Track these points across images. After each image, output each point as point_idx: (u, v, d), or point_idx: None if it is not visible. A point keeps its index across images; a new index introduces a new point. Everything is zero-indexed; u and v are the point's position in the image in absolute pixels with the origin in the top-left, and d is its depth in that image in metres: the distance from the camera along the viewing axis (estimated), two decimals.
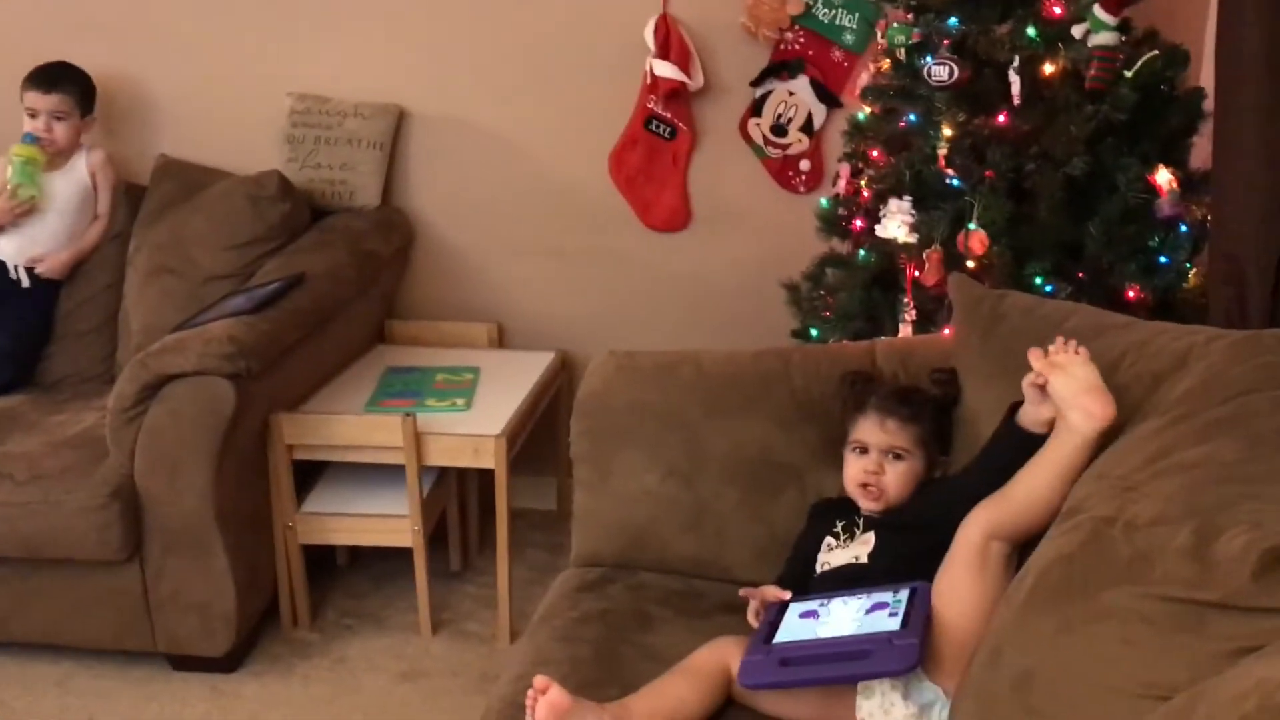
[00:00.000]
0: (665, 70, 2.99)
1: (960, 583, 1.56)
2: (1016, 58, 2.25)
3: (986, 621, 1.49)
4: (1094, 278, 2.27)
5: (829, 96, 3.05)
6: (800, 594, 1.72)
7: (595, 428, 2.03)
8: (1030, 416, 1.62)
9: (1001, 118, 2.27)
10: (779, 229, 3.07)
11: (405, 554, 2.71)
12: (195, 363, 2.38)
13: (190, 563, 2.47)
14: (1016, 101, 2.26)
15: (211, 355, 2.38)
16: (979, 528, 1.57)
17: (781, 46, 3.04)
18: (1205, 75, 2.41)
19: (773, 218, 3.12)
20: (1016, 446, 1.61)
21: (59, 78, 2.99)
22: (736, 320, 3.13)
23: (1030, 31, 2.25)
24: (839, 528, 1.82)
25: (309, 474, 2.78)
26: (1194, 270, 2.31)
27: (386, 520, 2.68)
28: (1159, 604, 1.17)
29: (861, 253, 2.52)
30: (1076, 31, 2.22)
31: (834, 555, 1.79)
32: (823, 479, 1.95)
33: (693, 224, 3.20)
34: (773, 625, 1.64)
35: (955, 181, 2.29)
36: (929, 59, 2.29)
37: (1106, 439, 1.52)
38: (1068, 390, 1.54)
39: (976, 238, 2.22)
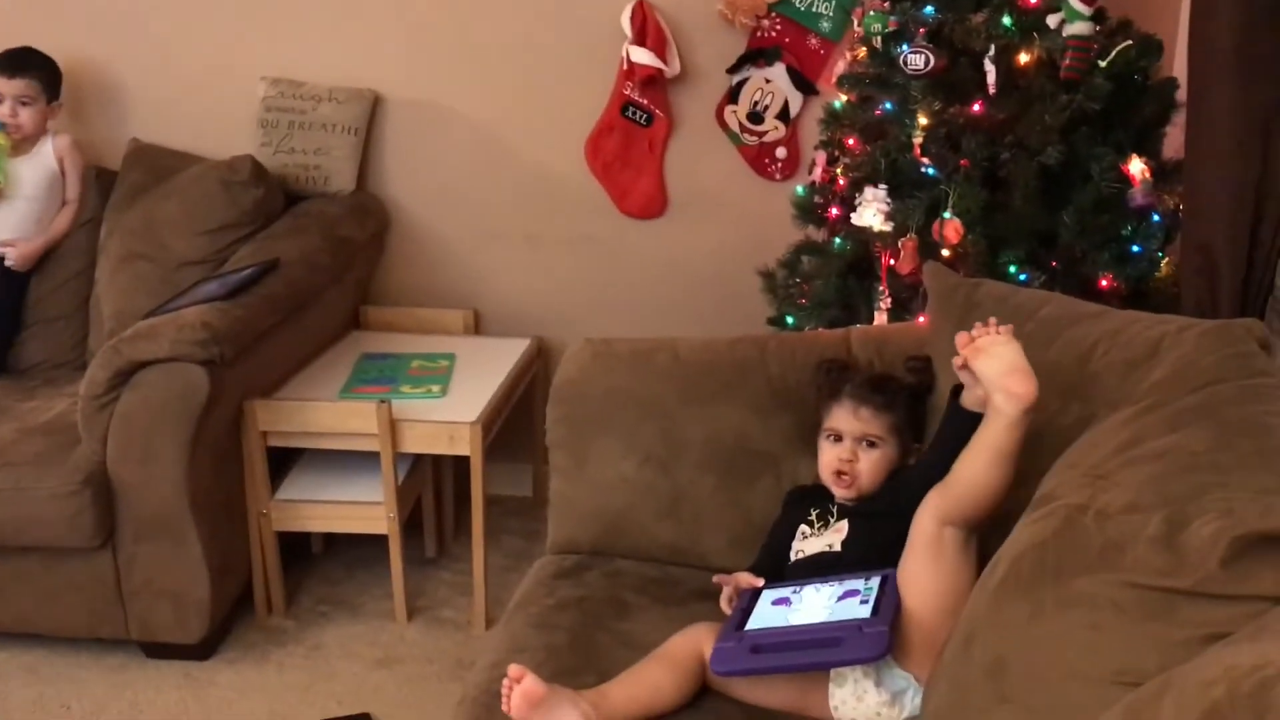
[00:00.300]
0: (642, 57, 2.99)
1: (919, 570, 1.57)
2: (992, 47, 2.26)
3: (950, 607, 1.51)
4: (1067, 266, 2.29)
5: (805, 84, 3.05)
6: (775, 581, 1.73)
7: (571, 414, 2.04)
8: (970, 398, 1.63)
9: (977, 106, 2.28)
10: (755, 216, 3.07)
11: (380, 541, 2.70)
12: (168, 349, 2.37)
13: (163, 550, 2.46)
14: (992, 90, 2.27)
15: (185, 341, 2.37)
16: (930, 515, 1.58)
17: (758, 34, 3.04)
18: (1179, 65, 2.42)
19: (749, 205, 3.12)
20: (961, 428, 1.62)
21: (24, 63, 2.95)
22: (713, 307, 3.13)
23: (1005, 20, 2.26)
24: (813, 516, 1.83)
25: (283, 461, 2.77)
26: (1166, 260, 2.33)
27: (361, 507, 2.67)
28: (1130, 591, 1.18)
29: (837, 241, 2.52)
30: (1051, 21, 2.23)
31: (808, 543, 1.80)
32: (798, 466, 1.96)
33: (669, 211, 3.20)
34: (745, 612, 1.65)
35: (930, 170, 2.30)
36: (905, 47, 2.30)
37: (1065, 424, 1.53)
38: (991, 372, 1.54)
39: (951, 226, 2.23)
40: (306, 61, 3.14)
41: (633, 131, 3.12)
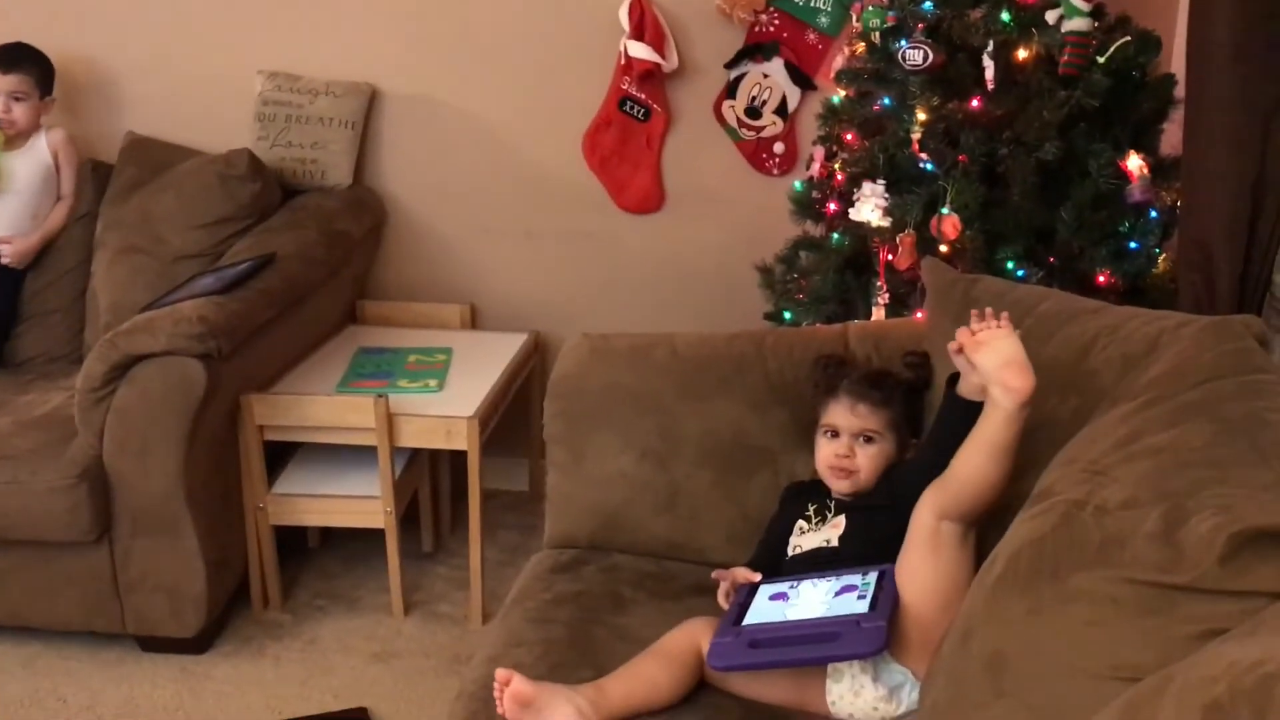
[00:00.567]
0: (640, 51, 2.98)
1: (918, 565, 1.57)
2: (990, 42, 2.26)
3: (948, 602, 1.51)
4: (1065, 262, 2.29)
5: (803, 79, 3.05)
6: (772, 576, 1.73)
7: (569, 410, 2.03)
8: (966, 386, 1.63)
9: (975, 102, 2.28)
10: (753, 211, 3.07)
11: (377, 535, 2.70)
12: (165, 343, 2.36)
13: (160, 544, 2.46)
14: (990, 86, 2.27)
15: (181, 335, 2.36)
16: (928, 510, 1.58)
17: (756, 29, 3.03)
18: (1177, 61, 2.42)
19: (746, 200, 3.12)
20: (959, 417, 1.61)
21: (18, 58, 2.94)
22: (710, 303, 3.13)
23: (1004, 16, 2.26)
24: (810, 511, 1.83)
25: (280, 455, 2.76)
26: (1163, 256, 2.33)
27: (358, 501, 2.67)
28: (1128, 587, 1.18)
29: (835, 236, 2.52)
30: (1050, 17, 2.24)
31: (805, 539, 1.80)
32: (795, 461, 1.96)
33: (666, 206, 3.19)
34: (743, 607, 1.65)
35: (929, 165, 2.30)
36: (903, 43, 2.30)
37: (1036, 412, 1.53)
38: (989, 365, 1.54)
39: (949, 222, 2.23)
40: (303, 55, 3.13)
41: (630, 126, 3.11)
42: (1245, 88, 2.05)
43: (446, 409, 2.64)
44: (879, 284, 2.36)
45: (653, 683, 1.59)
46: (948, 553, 1.56)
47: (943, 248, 2.24)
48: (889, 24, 2.38)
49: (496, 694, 1.54)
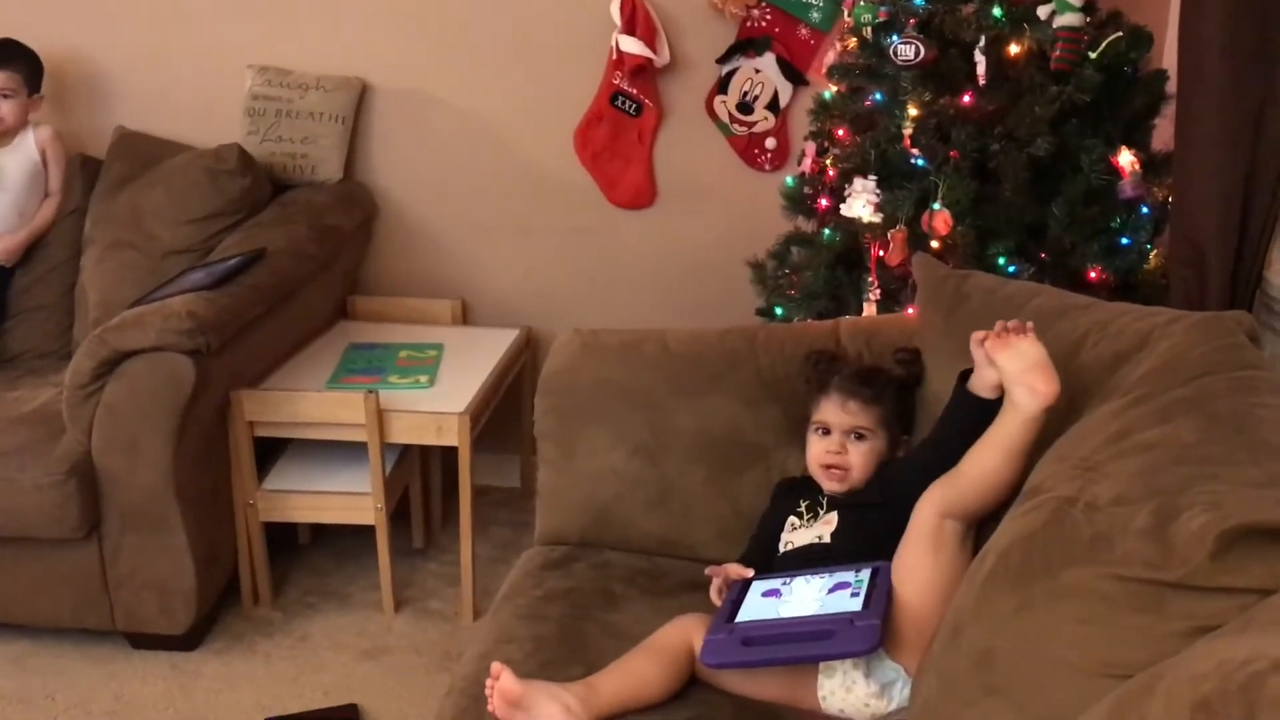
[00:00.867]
0: (631, 46, 2.97)
1: (917, 562, 1.57)
2: (982, 38, 2.25)
3: (945, 600, 1.50)
4: (1056, 258, 2.29)
5: (795, 74, 3.04)
6: (764, 573, 1.73)
7: (560, 405, 2.03)
8: (980, 381, 1.61)
9: (967, 98, 2.28)
10: (744, 207, 3.06)
11: (368, 531, 2.69)
12: (154, 338, 2.35)
13: (149, 540, 2.45)
14: (982, 81, 2.26)
15: (170, 331, 2.35)
16: (933, 507, 1.57)
17: (748, 24, 3.03)
18: (1169, 57, 2.42)
19: (738, 196, 3.11)
20: (971, 414, 1.60)
21: (6, 55, 2.93)
22: (702, 298, 3.13)
23: (996, 12, 2.25)
24: (802, 507, 1.82)
25: (270, 451, 2.75)
26: (1155, 252, 2.33)
27: (349, 498, 2.66)
28: (1119, 584, 1.18)
29: (826, 232, 2.52)
30: (1042, 12, 2.23)
31: (797, 535, 1.80)
32: (788, 457, 1.96)
33: (658, 201, 3.19)
34: (735, 604, 1.64)
35: (920, 161, 2.29)
36: (895, 38, 2.29)
37: (1055, 416, 1.52)
38: (1014, 367, 1.52)
39: (941, 218, 2.23)
40: (294, 50, 3.12)
41: (622, 121, 3.11)
42: (1236, 84, 2.06)
43: (437, 405, 2.64)
44: (870, 280, 2.36)
45: (644, 679, 1.59)
46: (948, 551, 1.55)
47: (934, 243, 2.24)
48: (881, 19, 2.37)
49: (488, 690, 1.53)
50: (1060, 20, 2.20)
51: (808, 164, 2.67)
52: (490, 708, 1.53)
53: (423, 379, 2.76)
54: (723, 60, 3.05)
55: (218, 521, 2.62)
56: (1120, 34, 2.27)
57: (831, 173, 2.52)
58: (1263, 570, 1.11)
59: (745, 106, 3.07)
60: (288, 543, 2.96)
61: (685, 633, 1.63)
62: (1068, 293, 1.85)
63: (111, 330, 2.38)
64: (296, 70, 3.09)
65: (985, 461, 1.54)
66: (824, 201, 2.54)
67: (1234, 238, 2.11)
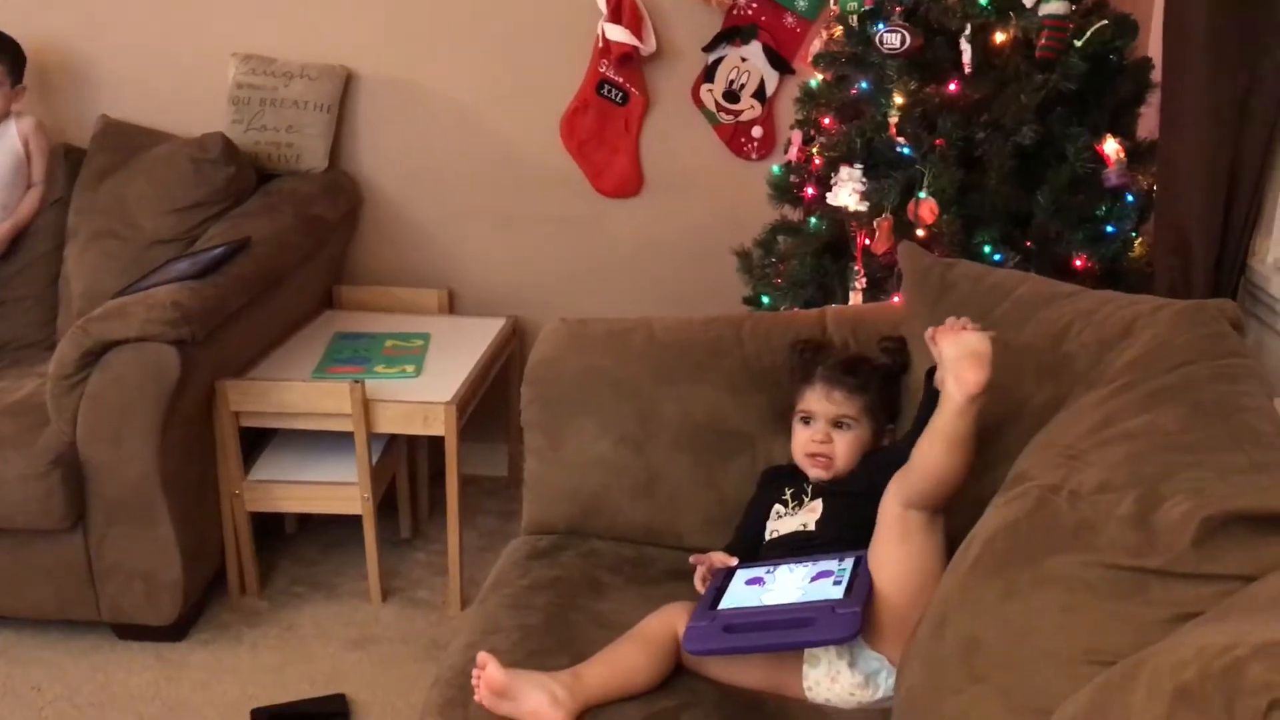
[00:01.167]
0: (617, 34, 2.97)
1: (888, 553, 1.57)
2: (968, 26, 2.25)
3: (921, 588, 1.51)
4: (1042, 247, 2.29)
5: (781, 63, 3.04)
6: (749, 561, 1.73)
7: (546, 395, 2.03)
8: (939, 374, 1.62)
9: (952, 86, 2.28)
10: (731, 196, 3.06)
11: (355, 521, 2.69)
12: (138, 329, 2.34)
13: (135, 531, 2.44)
14: (967, 70, 2.26)
15: (155, 321, 2.34)
16: (894, 498, 1.58)
17: (734, 12, 3.02)
18: (1154, 46, 2.42)
19: (725, 184, 3.11)
20: (933, 407, 1.60)
21: None
22: (688, 287, 3.13)
23: (981, 0, 2.25)
24: (787, 495, 1.83)
25: (256, 441, 2.74)
26: (1140, 240, 2.33)
27: (335, 488, 2.66)
28: (1102, 571, 1.18)
29: (813, 220, 2.52)
30: (1027, 0, 2.23)
31: (782, 523, 1.80)
32: (773, 446, 1.96)
33: (645, 190, 3.18)
34: (719, 592, 1.65)
35: (906, 150, 2.29)
36: (881, 26, 2.29)
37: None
38: (949, 354, 1.52)
39: (926, 206, 2.23)
40: (278, 38, 3.10)
41: (608, 110, 3.10)
42: (1221, 72, 2.06)
43: (424, 394, 2.63)
44: (856, 269, 2.36)
45: (630, 668, 1.59)
46: (917, 540, 1.56)
47: (920, 232, 2.24)
48: (866, 7, 2.37)
49: (475, 679, 1.54)
50: (1045, 8, 2.20)
51: (794, 152, 2.67)
52: (477, 698, 1.53)
53: (409, 368, 2.76)
54: (709, 48, 3.04)
55: (204, 512, 2.61)
56: (1105, 22, 2.27)
57: (818, 161, 2.51)
58: (1245, 557, 1.12)
59: (732, 95, 3.07)
60: (274, 533, 2.96)
61: (671, 621, 1.63)
62: (1053, 281, 1.85)
63: (95, 320, 2.37)
64: (281, 58, 3.07)
65: (928, 452, 1.54)
66: (810, 190, 2.54)
67: (1218, 226, 2.12)
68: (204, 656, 2.53)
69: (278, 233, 2.79)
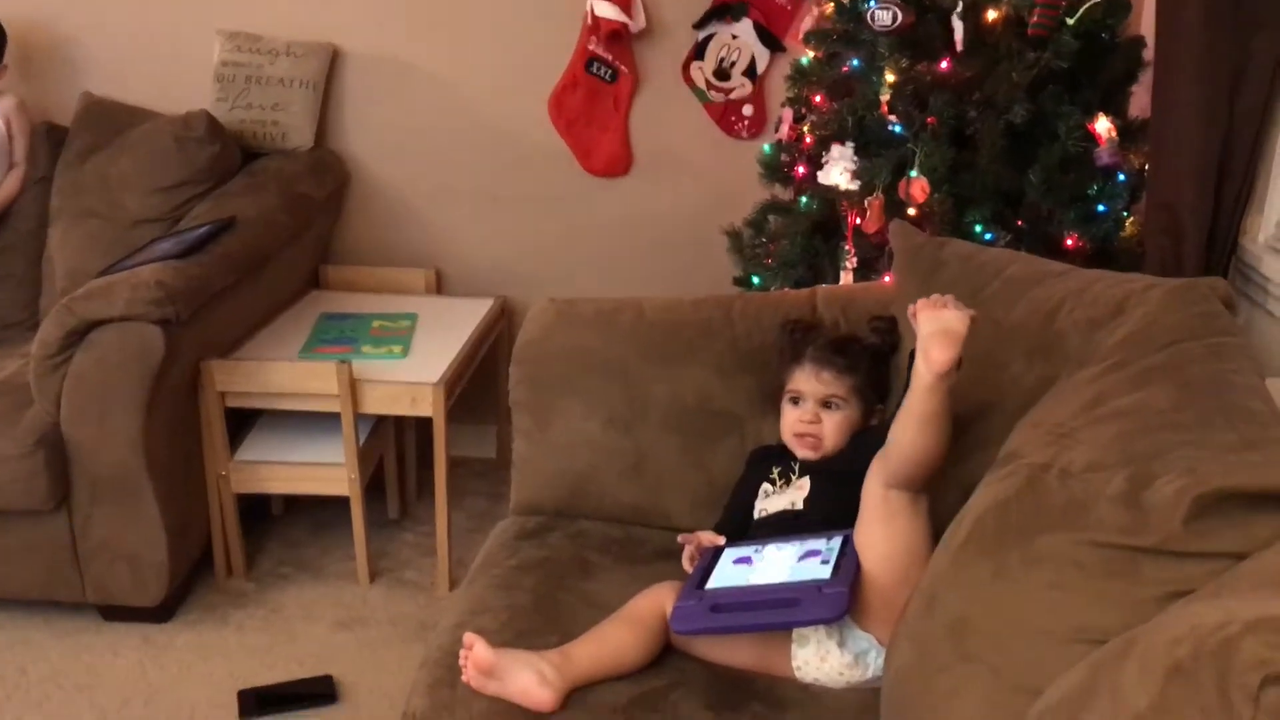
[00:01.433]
0: (606, 11, 2.94)
1: (873, 533, 1.56)
2: (960, 3, 2.24)
3: (907, 568, 1.51)
4: (1033, 226, 2.28)
5: (772, 40, 3.02)
6: (738, 540, 1.72)
7: (535, 375, 2.01)
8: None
9: (944, 64, 2.26)
10: (721, 175, 3.05)
11: (342, 502, 2.68)
12: (122, 308, 2.32)
13: (120, 512, 2.42)
14: (959, 48, 2.25)
15: (139, 300, 2.32)
16: (875, 479, 1.57)
17: None
18: (1146, 23, 2.41)
19: (715, 163, 3.09)
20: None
21: None
22: (678, 267, 3.11)
23: None
24: (775, 474, 1.82)
25: (242, 422, 2.73)
26: (1131, 219, 2.33)
27: (322, 469, 2.64)
28: (1093, 550, 1.18)
29: (803, 200, 2.50)
30: None
31: (770, 501, 1.79)
32: (762, 427, 1.95)
33: (634, 169, 3.17)
34: (706, 571, 1.64)
35: (897, 128, 2.28)
36: (872, 3, 2.27)
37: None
38: (923, 330, 1.50)
39: (918, 185, 2.22)
40: (263, 15, 3.07)
41: (597, 88, 3.08)
42: (1213, 51, 2.05)
43: (411, 375, 2.61)
44: (847, 248, 2.35)
45: (619, 647, 1.58)
46: (901, 520, 1.55)
47: (911, 211, 2.23)
48: None
49: (462, 660, 1.53)
50: None
51: (785, 131, 2.66)
52: (465, 678, 1.52)
53: (396, 349, 2.74)
54: (699, 25, 3.02)
55: (190, 493, 2.60)
56: (1098, 0, 2.26)
57: (809, 140, 2.50)
58: (1236, 535, 1.11)
59: (722, 73, 3.05)
60: (261, 514, 2.95)
61: (660, 601, 1.63)
62: (1044, 260, 1.85)
63: (79, 300, 2.35)
64: (267, 35, 3.04)
65: (903, 431, 1.53)
66: (801, 169, 2.53)
67: (1210, 205, 2.11)
68: (190, 638, 2.52)
69: (263, 212, 2.76)
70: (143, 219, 2.82)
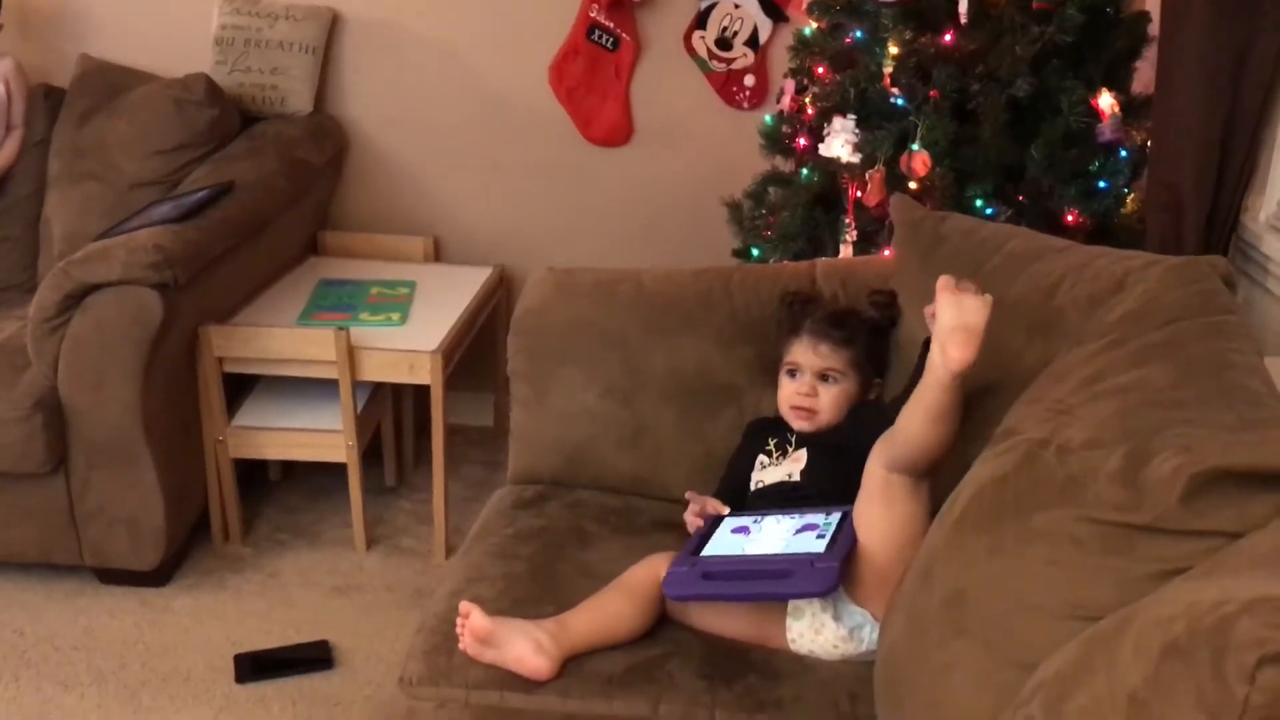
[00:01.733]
0: None
1: (872, 514, 1.56)
2: None
3: (903, 548, 1.51)
4: (1034, 201, 2.28)
5: (775, 10, 3.00)
6: (736, 511, 1.73)
7: (533, 345, 2.01)
8: None
9: (948, 36, 2.25)
10: (722, 145, 3.03)
11: (339, 469, 2.68)
12: (120, 271, 2.31)
13: (117, 476, 2.43)
14: (963, 20, 2.24)
15: (137, 264, 2.31)
16: (877, 463, 1.56)
17: None
18: None
19: (716, 134, 3.08)
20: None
21: None
22: (677, 238, 3.10)
23: None
24: (771, 445, 1.83)
25: (240, 388, 2.73)
26: (1132, 195, 2.32)
27: (320, 435, 2.65)
28: (1089, 526, 1.18)
29: (804, 171, 2.49)
30: None
31: (767, 473, 1.80)
32: (761, 398, 1.96)
33: (634, 139, 3.15)
34: (704, 538, 1.65)
35: (900, 101, 2.27)
36: None
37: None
38: (943, 321, 1.46)
39: (919, 158, 2.21)
40: None
41: (598, 56, 3.06)
42: (1218, 28, 2.04)
43: (409, 343, 2.61)
44: (847, 221, 2.34)
45: (615, 616, 1.59)
46: (901, 504, 1.54)
47: (912, 185, 2.22)
48: None
49: (459, 628, 1.54)
50: None
51: (787, 102, 2.64)
52: (461, 645, 1.53)
53: (395, 316, 2.73)
54: None
55: (187, 458, 2.60)
56: None
57: (810, 111, 2.49)
58: (1233, 513, 1.12)
59: (724, 42, 3.03)
60: (258, 480, 2.95)
61: (656, 571, 1.63)
62: (1044, 235, 1.84)
63: (76, 263, 2.34)
64: None
65: (911, 421, 1.51)
66: (802, 140, 2.52)
67: (1211, 182, 2.10)
68: (187, 602, 2.53)
69: (262, 177, 2.75)
70: (141, 182, 2.81)
